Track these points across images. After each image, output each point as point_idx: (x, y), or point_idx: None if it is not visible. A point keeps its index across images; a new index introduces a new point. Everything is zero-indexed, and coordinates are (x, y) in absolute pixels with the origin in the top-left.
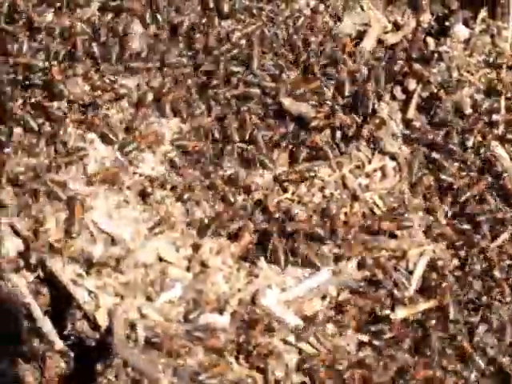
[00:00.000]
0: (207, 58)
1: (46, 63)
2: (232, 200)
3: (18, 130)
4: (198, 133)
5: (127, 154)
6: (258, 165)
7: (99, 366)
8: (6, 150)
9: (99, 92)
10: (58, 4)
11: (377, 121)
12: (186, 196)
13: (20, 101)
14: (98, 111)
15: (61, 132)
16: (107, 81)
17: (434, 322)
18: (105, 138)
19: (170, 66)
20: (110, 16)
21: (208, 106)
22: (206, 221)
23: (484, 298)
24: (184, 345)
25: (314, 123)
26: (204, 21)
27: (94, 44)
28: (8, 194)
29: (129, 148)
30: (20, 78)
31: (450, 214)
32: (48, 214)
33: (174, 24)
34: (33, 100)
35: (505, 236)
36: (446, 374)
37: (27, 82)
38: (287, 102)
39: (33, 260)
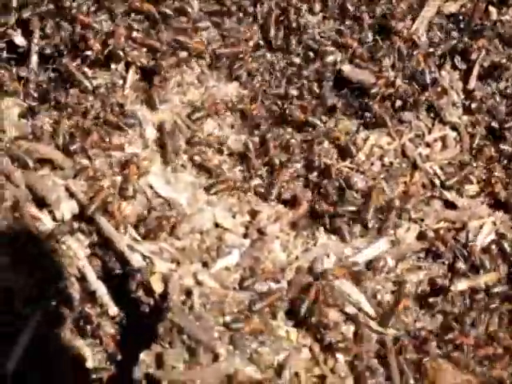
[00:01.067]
0: None
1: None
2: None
3: (74, 91)
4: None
5: (195, 121)
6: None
7: (154, 333)
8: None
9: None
10: None
11: (438, 90)
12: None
13: (77, 61)
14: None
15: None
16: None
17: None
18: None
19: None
20: None
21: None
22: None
23: None
24: (240, 311)
25: (373, 90)
26: None
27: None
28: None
29: (197, 115)
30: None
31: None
32: (104, 177)
33: None
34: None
35: None
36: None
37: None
38: (347, 68)
39: (88, 223)
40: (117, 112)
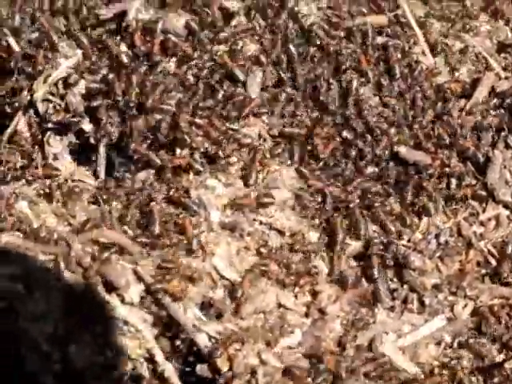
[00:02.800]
0: None
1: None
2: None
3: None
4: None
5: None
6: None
7: None
8: None
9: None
10: None
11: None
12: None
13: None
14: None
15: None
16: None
17: None
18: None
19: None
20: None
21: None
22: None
23: None
24: None
25: (429, 171)
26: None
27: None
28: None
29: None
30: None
31: None
32: (170, 260)
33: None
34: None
35: None
36: None
37: None
38: (403, 150)
39: (155, 305)
40: (183, 196)
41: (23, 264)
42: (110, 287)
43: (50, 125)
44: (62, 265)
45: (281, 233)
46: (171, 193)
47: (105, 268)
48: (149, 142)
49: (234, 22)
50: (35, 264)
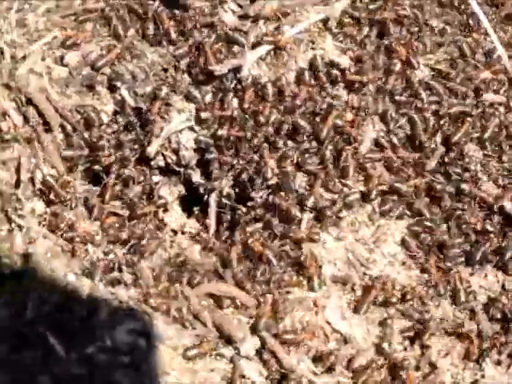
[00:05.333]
0: None
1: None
2: None
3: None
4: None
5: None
6: None
7: None
8: None
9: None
10: None
11: None
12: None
13: None
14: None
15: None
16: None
17: None
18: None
19: None
20: None
21: None
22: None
23: None
24: None
25: None
26: None
27: None
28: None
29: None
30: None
31: None
32: (285, 314)
33: None
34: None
35: None
36: None
37: None
38: (509, 206)
39: (269, 356)
40: (293, 249)
41: (143, 319)
42: (227, 340)
43: (160, 177)
44: (180, 318)
45: (388, 286)
46: (283, 247)
47: (221, 321)
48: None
49: None
50: (154, 319)
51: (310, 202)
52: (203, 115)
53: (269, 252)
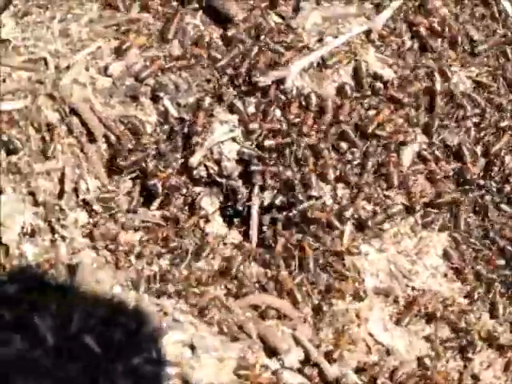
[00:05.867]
0: None
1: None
2: None
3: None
4: None
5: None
6: None
7: None
8: None
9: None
10: None
11: None
12: None
13: None
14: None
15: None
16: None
17: None
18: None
19: None
20: None
21: None
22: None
23: None
24: None
25: None
26: None
27: None
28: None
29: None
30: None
31: None
32: (327, 326)
33: None
34: None
35: None
36: None
37: None
38: None
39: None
40: (335, 261)
41: (189, 330)
42: (271, 351)
43: (202, 188)
44: (225, 329)
45: (431, 298)
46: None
47: (266, 332)
48: None
49: None
50: (200, 330)
51: (351, 213)
52: (251, 126)
53: (311, 262)
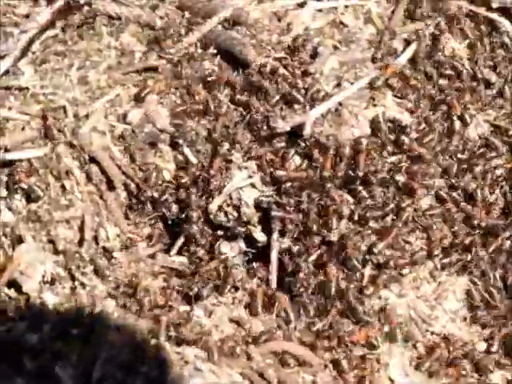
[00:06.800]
0: None
1: None
2: None
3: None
4: None
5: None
6: None
7: None
8: None
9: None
10: None
11: None
12: None
13: None
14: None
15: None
16: None
17: None
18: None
19: None
20: None
21: None
22: None
23: None
24: None
25: None
26: None
27: None
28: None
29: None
30: None
31: None
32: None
33: None
34: None
35: None
36: None
37: None
38: None
39: None
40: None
41: (210, 378)
42: None
43: (221, 232)
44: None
45: (450, 342)
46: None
47: (286, 379)
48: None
49: None
50: (221, 377)
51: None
52: (277, 174)
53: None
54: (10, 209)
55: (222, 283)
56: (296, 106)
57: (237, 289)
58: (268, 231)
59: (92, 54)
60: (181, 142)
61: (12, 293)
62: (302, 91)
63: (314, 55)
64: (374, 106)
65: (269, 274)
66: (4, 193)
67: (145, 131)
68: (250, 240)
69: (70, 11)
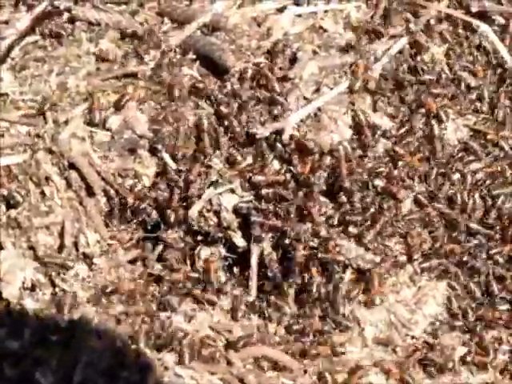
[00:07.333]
0: None
1: None
2: None
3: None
4: None
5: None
6: None
7: None
8: None
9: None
10: None
11: None
12: None
13: None
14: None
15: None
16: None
17: None
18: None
19: None
20: None
21: None
22: None
23: None
24: None
25: None
26: None
27: None
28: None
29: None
30: None
31: None
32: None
33: None
34: None
35: None
36: None
37: None
38: None
39: None
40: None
41: None
42: None
43: (201, 238)
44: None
45: (432, 348)
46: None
47: None
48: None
49: None
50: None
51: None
52: (255, 179)
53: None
54: None
55: (202, 289)
56: (275, 112)
57: (217, 294)
58: (248, 236)
59: (71, 60)
60: (159, 147)
61: None
62: (282, 96)
63: (294, 60)
64: (353, 110)
65: (249, 279)
66: None
67: (124, 137)
68: (230, 245)
69: (49, 17)
